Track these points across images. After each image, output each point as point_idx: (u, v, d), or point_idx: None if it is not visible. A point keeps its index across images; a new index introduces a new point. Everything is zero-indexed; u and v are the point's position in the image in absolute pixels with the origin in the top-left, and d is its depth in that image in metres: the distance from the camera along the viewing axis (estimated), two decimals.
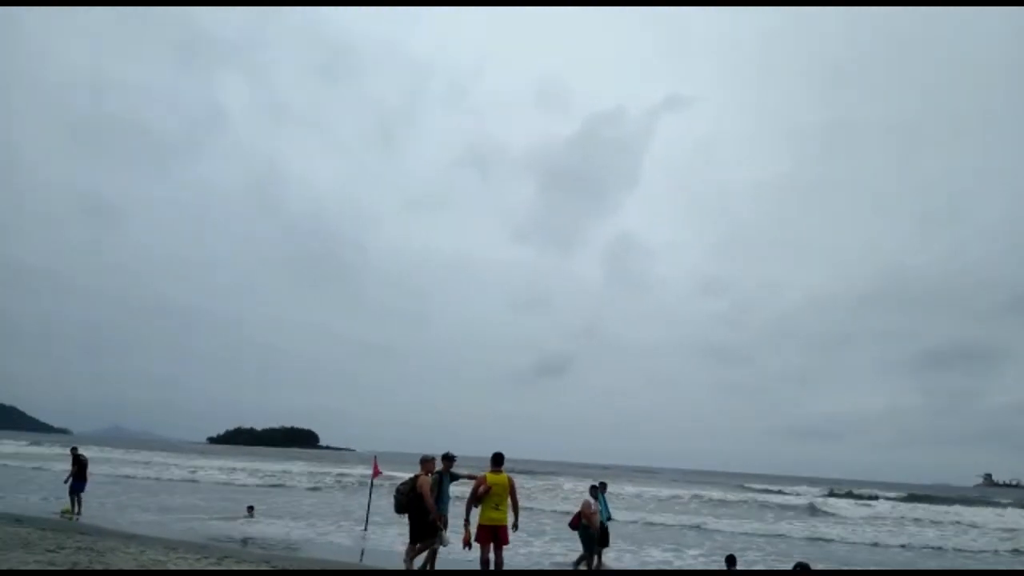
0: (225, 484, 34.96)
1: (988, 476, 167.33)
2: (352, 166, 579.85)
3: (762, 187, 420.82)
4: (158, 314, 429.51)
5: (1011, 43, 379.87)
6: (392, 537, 16.57)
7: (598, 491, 13.74)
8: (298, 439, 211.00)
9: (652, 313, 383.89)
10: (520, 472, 48.13)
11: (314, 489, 35.34)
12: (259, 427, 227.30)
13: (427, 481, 9.27)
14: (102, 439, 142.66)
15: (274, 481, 38.11)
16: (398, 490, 9.45)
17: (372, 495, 19.21)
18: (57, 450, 52.04)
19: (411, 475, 9.70)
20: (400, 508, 9.38)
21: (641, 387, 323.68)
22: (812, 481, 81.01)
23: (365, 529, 17.82)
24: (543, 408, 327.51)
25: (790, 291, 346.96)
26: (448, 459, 9.93)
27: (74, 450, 18.82)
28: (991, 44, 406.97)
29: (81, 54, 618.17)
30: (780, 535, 22.73)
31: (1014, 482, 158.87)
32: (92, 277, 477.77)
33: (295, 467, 49.47)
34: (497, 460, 9.47)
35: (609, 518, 14.09)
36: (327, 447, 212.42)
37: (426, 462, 9.58)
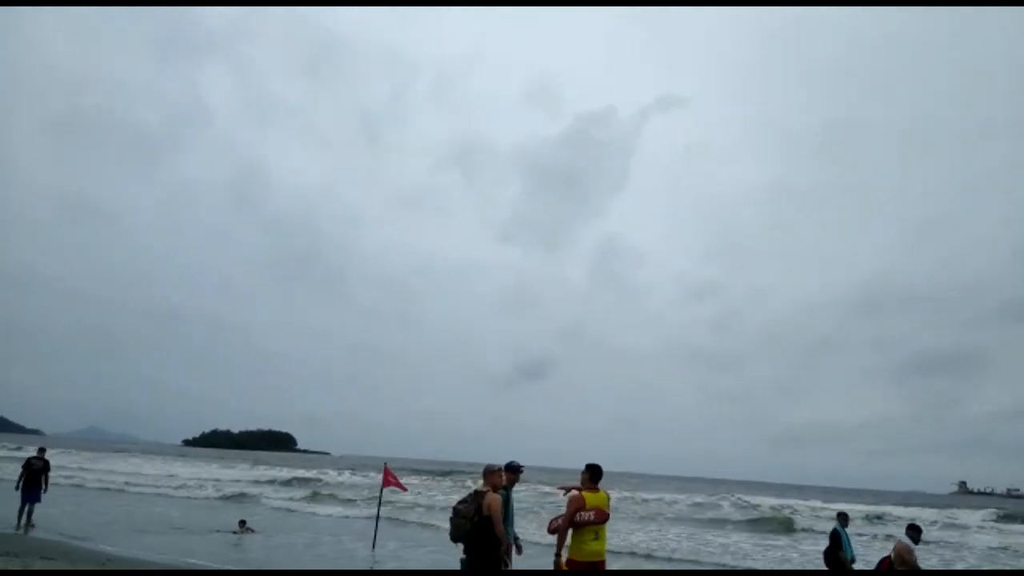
0: (204, 496, 32.80)
1: (963, 484, 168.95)
2: (336, 163, 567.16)
3: (753, 191, 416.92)
4: (139, 315, 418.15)
5: (1013, 47, 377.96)
6: (406, 561, 14.93)
7: (842, 525, 11.20)
8: (275, 442, 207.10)
9: (638, 317, 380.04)
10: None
11: (310, 498, 33.17)
12: (236, 429, 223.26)
13: (498, 500, 6.89)
14: (76, 441, 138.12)
15: (256, 490, 35.79)
16: (457, 511, 6.88)
17: (380, 509, 17.53)
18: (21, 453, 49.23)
19: (473, 490, 7.26)
20: (460, 535, 6.83)
21: (626, 391, 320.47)
22: (786, 489, 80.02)
23: (373, 548, 16.11)
24: (525, 411, 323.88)
25: (780, 297, 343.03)
26: (513, 471, 7.60)
27: (41, 451, 16.98)
28: (992, 48, 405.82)
29: (58, 49, 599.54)
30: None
31: (988, 490, 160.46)
32: (73, 277, 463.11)
33: (277, 473, 46.98)
34: (595, 474, 7.00)
35: (852, 559, 10.93)
36: (304, 451, 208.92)
37: (492, 474, 7.17)
